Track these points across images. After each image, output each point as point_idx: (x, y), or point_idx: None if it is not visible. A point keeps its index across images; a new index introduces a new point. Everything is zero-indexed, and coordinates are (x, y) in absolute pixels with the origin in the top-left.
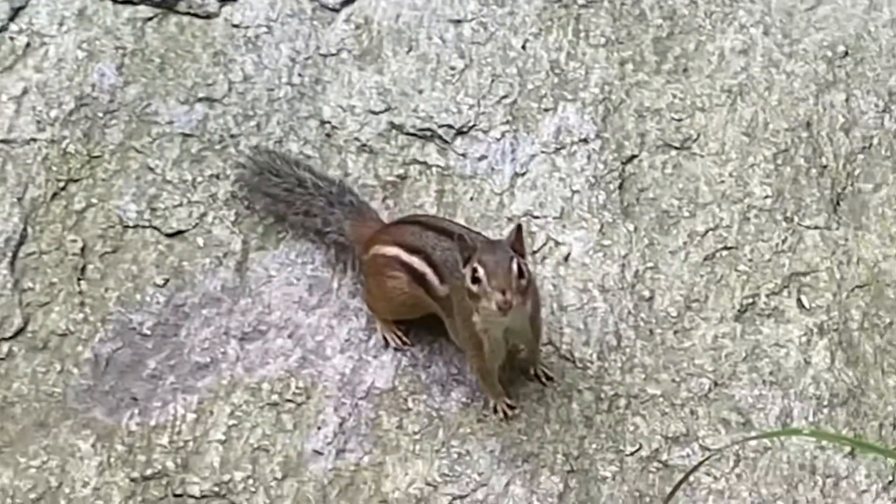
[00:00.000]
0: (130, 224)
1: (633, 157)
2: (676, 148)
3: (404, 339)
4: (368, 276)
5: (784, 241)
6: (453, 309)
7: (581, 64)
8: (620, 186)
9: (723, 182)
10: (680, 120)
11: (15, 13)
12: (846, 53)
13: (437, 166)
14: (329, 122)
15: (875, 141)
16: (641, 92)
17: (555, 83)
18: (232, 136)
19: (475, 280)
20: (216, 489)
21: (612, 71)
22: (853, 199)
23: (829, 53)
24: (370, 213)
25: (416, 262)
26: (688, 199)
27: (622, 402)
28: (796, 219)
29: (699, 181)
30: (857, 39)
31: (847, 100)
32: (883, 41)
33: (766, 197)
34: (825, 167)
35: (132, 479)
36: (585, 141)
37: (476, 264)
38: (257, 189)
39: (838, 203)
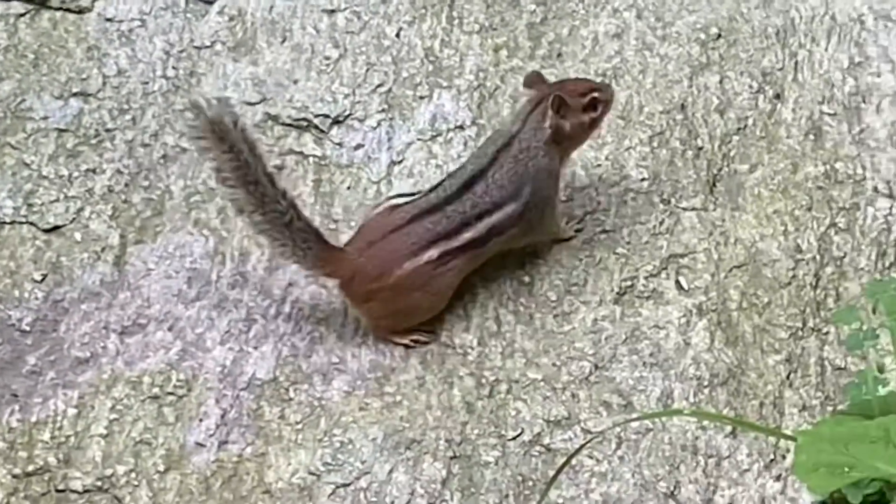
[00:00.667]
0: (7, 220)
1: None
2: None
3: (425, 331)
4: (400, 296)
5: (661, 224)
6: (531, 211)
7: (455, 51)
8: None
9: (599, 166)
10: None
11: None
12: (719, 35)
13: (314, 156)
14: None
15: (750, 122)
16: (516, 78)
17: (430, 71)
18: (107, 131)
19: (594, 104)
20: (99, 483)
21: (486, 57)
22: (729, 180)
23: (703, 36)
24: (325, 243)
25: (470, 235)
26: (565, 184)
27: (503, 387)
28: (673, 201)
29: (576, 165)
30: (730, 21)
31: (721, 81)
32: (755, 22)
33: (643, 179)
34: (701, 149)
35: (14, 476)
36: (461, 128)
37: (584, 95)
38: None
39: (714, 184)
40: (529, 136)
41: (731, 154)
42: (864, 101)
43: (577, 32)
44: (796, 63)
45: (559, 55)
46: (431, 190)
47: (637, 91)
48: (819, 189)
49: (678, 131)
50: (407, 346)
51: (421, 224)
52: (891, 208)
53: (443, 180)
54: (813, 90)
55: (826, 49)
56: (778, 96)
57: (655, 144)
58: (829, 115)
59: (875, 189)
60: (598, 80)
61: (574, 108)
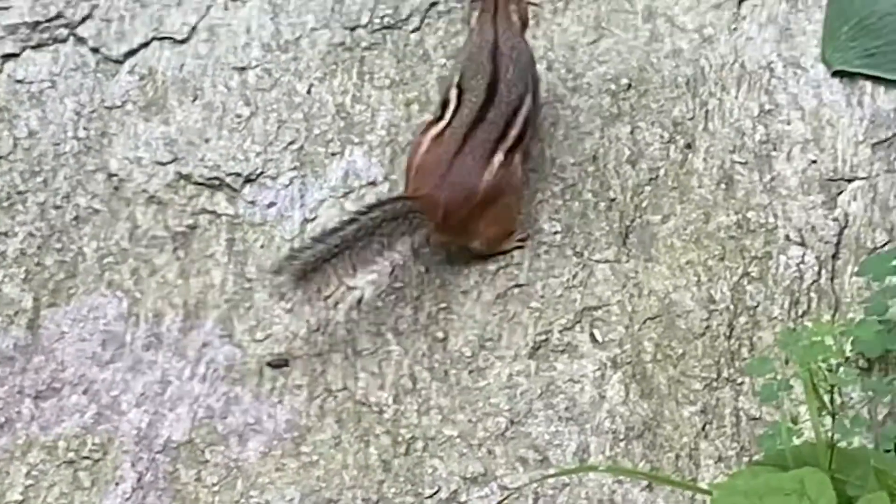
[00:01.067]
0: None
1: None
2: None
3: (522, 237)
4: (490, 205)
5: (575, 277)
6: (536, 90)
7: (367, 107)
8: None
9: None
10: None
11: None
12: (630, 86)
13: (227, 215)
14: (116, 175)
15: (661, 172)
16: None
17: (341, 127)
18: (19, 193)
19: None
20: None
21: (397, 112)
22: (642, 231)
23: (613, 86)
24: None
25: (516, 131)
26: None
27: (419, 444)
28: (586, 253)
29: None
30: (640, 71)
31: (632, 132)
32: (665, 72)
33: (556, 232)
34: (613, 200)
35: None
36: (374, 184)
37: None
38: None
39: (627, 236)
40: (508, 35)
41: (644, 205)
42: (774, 149)
43: None
44: (707, 112)
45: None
46: (454, 113)
47: (549, 144)
48: (731, 238)
49: (590, 183)
50: (518, 248)
51: (475, 139)
52: (803, 256)
53: (458, 102)
54: (724, 139)
55: (736, 97)
56: (689, 146)
57: (568, 197)
58: (741, 163)
59: (787, 237)
60: None
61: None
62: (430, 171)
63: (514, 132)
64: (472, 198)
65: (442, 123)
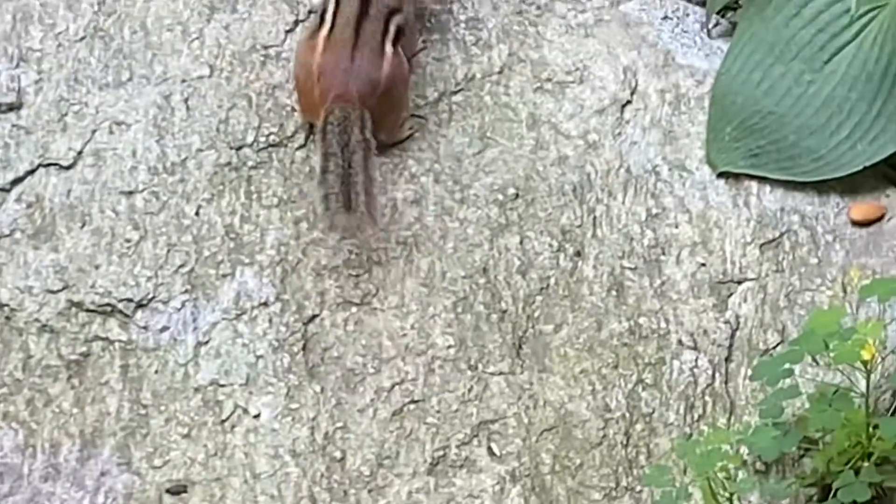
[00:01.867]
0: None
1: (315, 316)
2: (356, 304)
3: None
4: (390, 93)
5: (470, 390)
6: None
7: (256, 226)
8: (304, 347)
9: (405, 335)
10: (358, 276)
11: None
12: (517, 195)
13: (120, 341)
14: (7, 305)
15: (552, 281)
16: (318, 250)
17: (231, 248)
18: None
19: None
20: None
21: (287, 231)
22: (535, 342)
23: (500, 196)
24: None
25: (397, 21)
26: (372, 356)
27: None
28: (480, 366)
29: (382, 336)
30: (527, 180)
31: (521, 242)
32: (552, 180)
33: (450, 347)
34: (505, 312)
35: None
36: (266, 304)
37: None
38: None
39: (521, 347)
40: None
41: (536, 315)
42: (663, 253)
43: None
44: (595, 218)
45: (359, 225)
46: (335, 15)
47: (439, 257)
48: (624, 345)
49: (482, 295)
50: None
51: (365, 34)
52: (696, 360)
53: (336, 5)
54: (613, 245)
55: (623, 202)
56: (578, 253)
57: (460, 310)
58: (630, 269)
59: (680, 342)
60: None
61: None
62: (334, 70)
63: (393, 27)
64: (377, 87)
65: (327, 26)
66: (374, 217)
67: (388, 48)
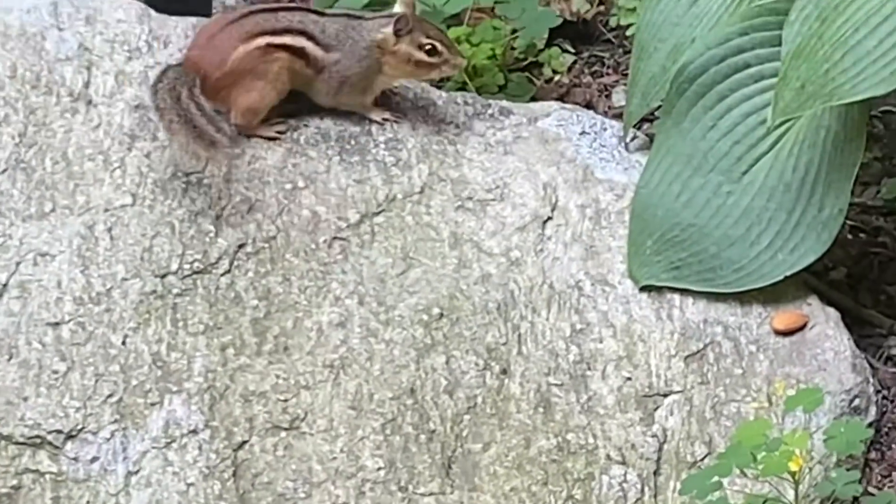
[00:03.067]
0: None
1: (244, 442)
2: (286, 429)
3: (280, 128)
4: (240, 78)
5: None
6: (331, 73)
7: (183, 354)
8: (234, 474)
9: (335, 458)
10: (286, 400)
11: None
12: (441, 315)
13: (51, 473)
14: None
15: (479, 400)
16: (245, 375)
17: (159, 376)
18: None
19: (433, 52)
20: None
21: (214, 357)
22: (464, 461)
23: (425, 317)
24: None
25: (289, 40)
26: (302, 480)
27: None
28: (411, 487)
29: (311, 460)
30: (451, 300)
31: (447, 361)
32: (476, 298)
33: (379, 469)
34: (433, 432)
35: None
36: (195, 432)
37: (428, 39)
38: None
39: (450, 466)
40: (370, 26)
41: (464, 434)
42: (589, 369)
43: (301, 324)
44: (520, 336)
45: (286, 349)
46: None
47: (366, 379)
48: (553, 462)
49: (410, 416)
50: (273, 139)
51: (252, 19)
52: (625, 475)
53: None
54: (538, 362)
55: (548, 318)
56: (504, 371)
57: (388, 432)
58: (557, 385)
59: (608, 457)
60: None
61: (413, 39)
62: (201, 36)
63: (288, 40)
64: (222, 65)
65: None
66: (228, 137)
67: (259, 42)
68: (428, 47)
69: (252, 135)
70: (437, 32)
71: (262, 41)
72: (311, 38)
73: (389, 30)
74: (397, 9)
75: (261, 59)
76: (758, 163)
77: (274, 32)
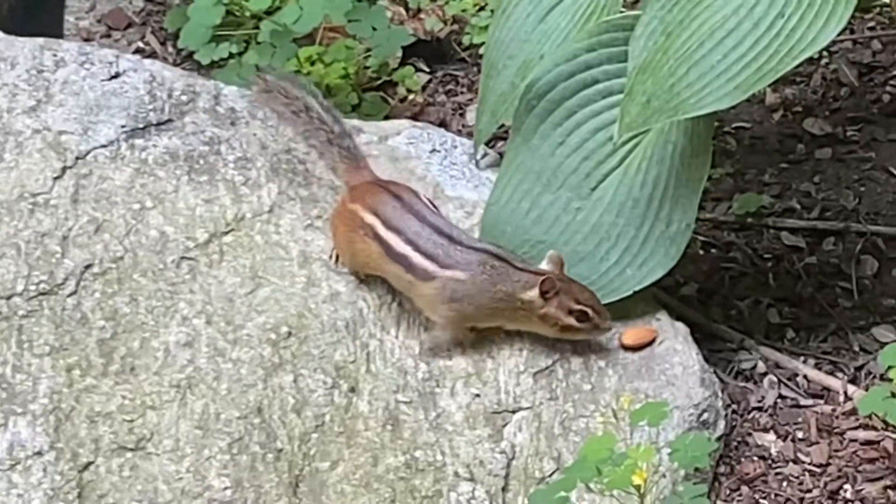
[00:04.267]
0: None
1: (90, 464)
2: (131, 449)
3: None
4: (339, 223)
5: None
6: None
7: (28, 375)
8: (80, 496)
9: (181, 479)
10: (132, 420)
11: None
12: (290, 334)
13: None
14: None
15: (327, 418)
16: (91, 396)
17: (3, 398)
18: None
19: (584, 318)
20: None
21: (59, 379)
22: (312, 480)
23: (273, 336)
24: (363, 161)
25: (393, 238)
26: (148, 501)
27: None
28: None
29: (157, 481)
30: (300, 318)
31: (295, 380)
32: (324, 317)
33: (226, 488)
34: (281, 451)
35: None
36: (40, 454)
37: (578, 305)
38: (265, 103)
39: (297, 485)
40: (511, 272)
41: (312, 453)
42: (437, 386)
43: (148, 344)
44: (368, 354)
45: (132, 369)
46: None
47: (213, 399)
48: (401, 479)
49: (257, 435)
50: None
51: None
52: (473, 491)
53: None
54: (387, 379)
55: (397, 336)
56: (353, 389)
57: (235, 451)
58: (405, 402)
59: (456, 474)
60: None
61: (562, 303)
62: (366, 183)
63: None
64: (352, 192)
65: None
66: None
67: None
68: (578, 313)
69: None
70: (588, 296)
71: (369, 219)
72: (417, 251)
73: (536, 292)
74: (545, 265)
75: (355, 229)
76: (606, 179)
77: (386, 224)
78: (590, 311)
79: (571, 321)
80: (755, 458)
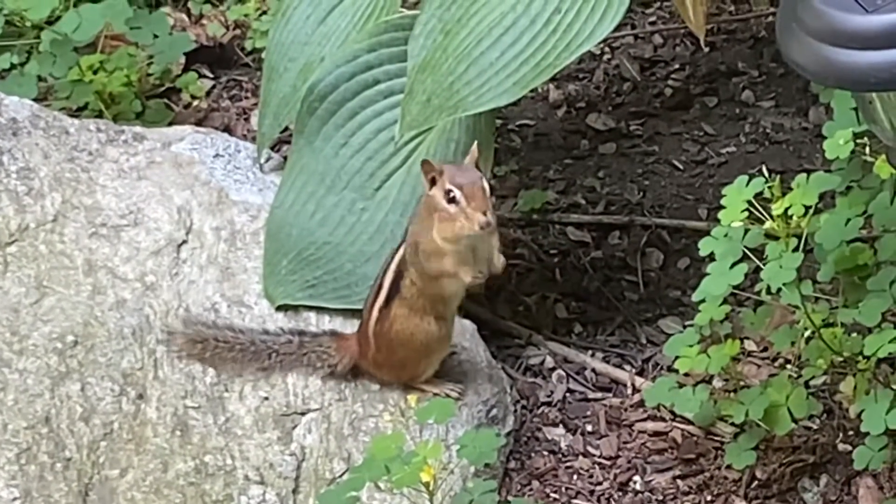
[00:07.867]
0: None
1: None
2: None
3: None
4: (390, 351)
5: None
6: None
7: None
8: None
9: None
10: None
11: None
12: (76, 342)
13: None
14: None
15: (116, 426)
16: None
17: None
18: None
19: (451, 200)
20: None
21: None
22: (101, 488)
23: (60, 345)
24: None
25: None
26: None
27: None
28: None
29: None
30: (86, 326)
31: (83, 389)
32: (111, 325)
33: (15, 499)
34: (70, 459)
35: None
36: None
37: (450, 185)
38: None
39: (87, 494)
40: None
41: (101, 461)
42: (226, 390)
43: None
44: (156, 360)
45: None
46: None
47: (0, 410)
48: (191, 485)
49: (45, 445)
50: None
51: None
52: (263, 494)
53: None
54: (175, 385)
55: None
56: (141, 396)
57: (24, 461)
58: (194, 408)
59: (246, 477)
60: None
61: (439, 185)
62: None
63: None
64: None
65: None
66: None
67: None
68: (448, 192)
69: None
70: (469, 178)
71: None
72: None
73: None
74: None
75: (403, 328)
76: (390, 178)
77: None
78: (458, 193)
79: (443, 203)
80: (545, 453)
